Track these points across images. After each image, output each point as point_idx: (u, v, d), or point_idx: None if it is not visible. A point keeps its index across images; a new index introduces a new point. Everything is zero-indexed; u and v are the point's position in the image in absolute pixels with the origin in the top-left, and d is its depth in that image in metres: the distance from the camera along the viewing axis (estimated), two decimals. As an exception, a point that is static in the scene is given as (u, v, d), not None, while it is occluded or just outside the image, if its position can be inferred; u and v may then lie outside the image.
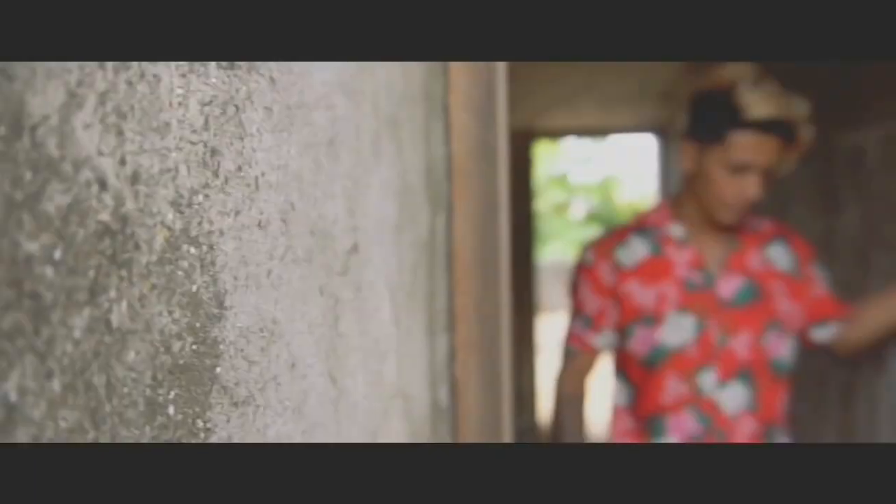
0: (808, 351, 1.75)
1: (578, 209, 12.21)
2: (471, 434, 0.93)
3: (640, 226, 1.68)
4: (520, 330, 4.44)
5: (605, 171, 11.48)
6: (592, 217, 12.06)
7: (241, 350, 0.38)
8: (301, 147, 0.46)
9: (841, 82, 1.95)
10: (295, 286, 0.45)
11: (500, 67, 0.94)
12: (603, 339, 1.68)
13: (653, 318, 1.60)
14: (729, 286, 1.61)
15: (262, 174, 0.40)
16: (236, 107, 0.37)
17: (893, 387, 1.70)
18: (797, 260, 1.68)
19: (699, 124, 1.56)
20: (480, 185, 0.92)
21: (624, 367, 1.69)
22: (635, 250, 1.65)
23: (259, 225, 0.40)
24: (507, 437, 0.96)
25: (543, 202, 10.99)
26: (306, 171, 0.47)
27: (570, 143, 10.48)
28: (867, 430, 1.83)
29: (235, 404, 0.37)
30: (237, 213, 0.37)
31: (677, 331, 1.59)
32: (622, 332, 1.65)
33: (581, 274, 1.69)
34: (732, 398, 1.57)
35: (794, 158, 1.58)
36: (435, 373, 0.90)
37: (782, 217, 2.30)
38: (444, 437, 0.92)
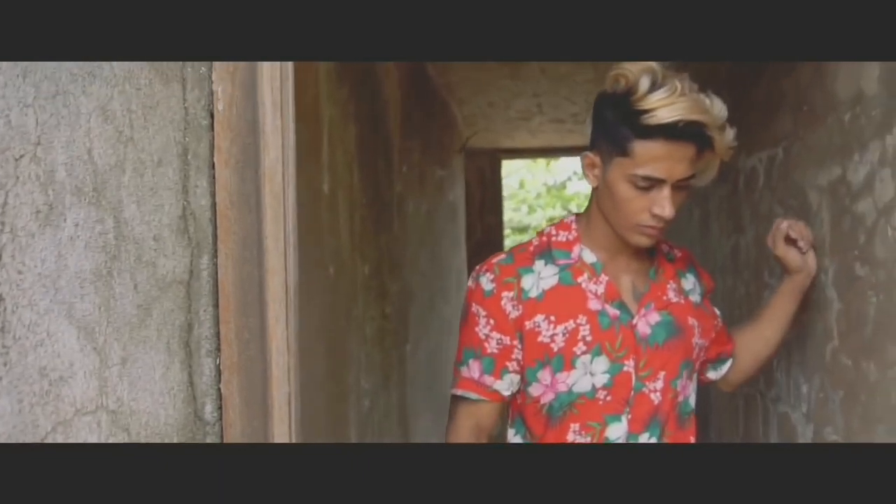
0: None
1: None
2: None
3: (547, 248, 1.41)
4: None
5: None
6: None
7: None
8: None
9: (739, 107, 1.98)
10: None
11: (269, 128, 1.09)
12: (508, 383, 1.39)
13: (561, 359, 1.35)
14: (648, 321, 1.37)
15: None
16: None
17: (779, 398, 1.73)
18: (703, 292, 1.49)
19: (600, 132, 1.33)
20: (242, 230, 1.07)
21: (522, 415, 1.42)
22: (542, 278, 1.37)
23: None
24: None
25: (539, 217, 10.87)
26: None
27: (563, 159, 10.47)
28: (763, 440, 1.87)
29: None
30: None
31: (589, 375, 1.35)
32: (523, 373, 1.39)
33: (478, 305, 1.38)
34: None
35: (715, 166, 1.33)
36: (200, 390, 1.07)
37: (704, 235, 2.34)
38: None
